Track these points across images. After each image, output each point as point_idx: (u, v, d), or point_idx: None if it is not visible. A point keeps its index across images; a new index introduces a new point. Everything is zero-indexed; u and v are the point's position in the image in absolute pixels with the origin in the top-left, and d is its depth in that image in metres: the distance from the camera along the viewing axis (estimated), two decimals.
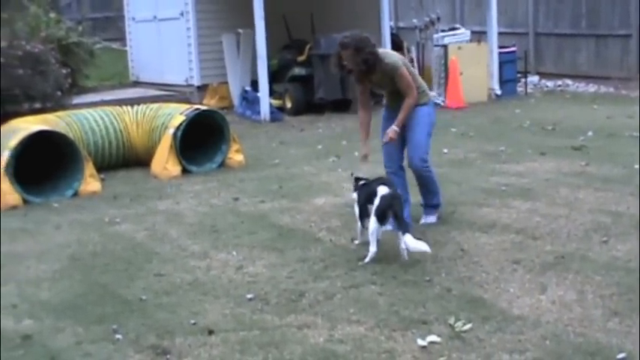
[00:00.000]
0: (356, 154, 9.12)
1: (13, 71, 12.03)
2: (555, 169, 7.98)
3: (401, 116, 5.87)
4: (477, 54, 13.73)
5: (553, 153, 8.76)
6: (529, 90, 14.77)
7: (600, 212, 6.29)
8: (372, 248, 5.27)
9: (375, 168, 6.09)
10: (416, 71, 6.20)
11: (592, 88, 15.19)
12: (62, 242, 6.15)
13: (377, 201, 5.30)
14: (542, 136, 10.09)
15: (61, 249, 5.97)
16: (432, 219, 6.19)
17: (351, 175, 5.92)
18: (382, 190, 5.35)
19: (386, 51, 6.02)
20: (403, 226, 5.27)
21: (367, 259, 5.26)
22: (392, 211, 5.26)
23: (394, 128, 5.85)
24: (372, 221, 5.29)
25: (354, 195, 5.74)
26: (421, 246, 5.19)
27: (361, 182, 5.70)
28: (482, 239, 5.74)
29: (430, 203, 6.24)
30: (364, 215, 5.52)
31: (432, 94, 13.82)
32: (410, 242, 5.17)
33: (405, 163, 6.15)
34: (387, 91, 6.08)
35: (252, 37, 12.83)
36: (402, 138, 6.03)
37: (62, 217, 6.92)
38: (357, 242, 5.69)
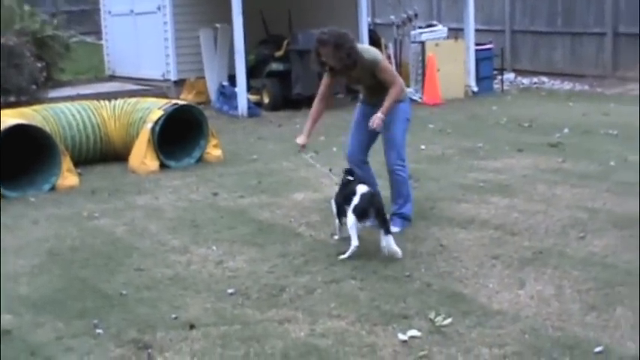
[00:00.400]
0: (334, 149, 9.16)
1: None
2: (532, 165, 8.06)
3: (387, 104, 5.74)
4: (453, 51, 13.79)
5: (530, 150, 8.84)
6: (505, 87, 14.87)
7: (577, 208, 6.36)
8: (354, 242, 5.29)
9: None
10: (393, 67, 6.18)
11: (567, 85, 15.33)
12: (40, 237, 6.11)
13: (356, 199, 5.31)
14: (519, 132, 10.17)
15: (40, 244, 5.93)
16: (395, 228, 5.72)
17: (329, 170, 5.89)
18: (361, 189, 5.36)
19: (364, 46, 5.99)
20: (386, 225, 5.29)
21: (348, 254, 5.28)
22: (373, 209, 5.27)
23: (380, 116, 5.72)
24: (351, 218, 5.31)
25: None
26: (395, 252, 5.22)
27: (348, 178, 5.69)
28: (461, 235, 5.79)
29: (399, 211, 5.97)
30: (342, 213, 5.53)
31: (409, 90, 13.91)
32: (389, 244, 5.22)
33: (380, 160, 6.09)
34: (366, 86, 6.03)
35: (229, 32, 12.80)
36: (373, 133, 5.99)
37: (40, 212, 6.87)
38: (336, 237, 5.70)
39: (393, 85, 5.79)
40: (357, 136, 6.08)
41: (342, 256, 5.28)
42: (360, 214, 5.27)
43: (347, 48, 5.66)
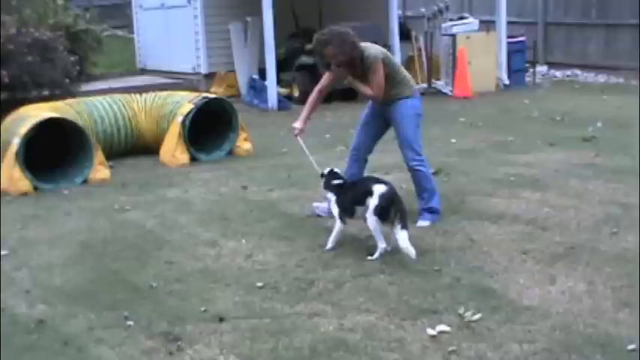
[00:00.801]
0: None
1: (22, 58, 12.06)
2: (565, 159, 7.98)
3: (358, 85, 5.80)
4: (485, 43, 13.70)
5: (562, 144, 8.75)
6: (538, 80, 14.74)
7: (610, 203, 6.29)
8: (382, 244, 5.24)
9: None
10: (398, 63, 6.09)
11: (601, 78, 15.15)
12: (73, 229, 6.18)
13: (376, 200, 5.21)
14: (551, 126, 10.08)
15: (73, 235, 6.00)
16: (425, 222, 5.88)
17: (321, 175, 5.78)
18: (380, 189, 5.26)
19: (367, 44, 5.90)
20: (405, 222, 5.16)
21: (376, 255, 5.23)
22: (395, 208, 5.18)
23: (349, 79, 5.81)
24: (373, 220, 5.23)
25: (330, 195, 5.61)
26: (410, 250, 5.05)
27: (336, 182, 5.61)
28: (492, 229, 5.75)
29: (426, 206, 5.98)
30: (346, 215, 5.44)
31: (439, 83, 13.83)
32: (403, 240, 5.07)
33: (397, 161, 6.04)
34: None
35: (259, 25, 12.81)
36: (378, 129, 6.04)
37: (72, 204, 6.95)
38: (328, 247, 5.43)
39: (375, 88, 5.75)
40: (365, 132, 6.12)
41: (370, 257, 5.24)
42: (382, 214, 5.20)
43: (350, 42, 5.68)
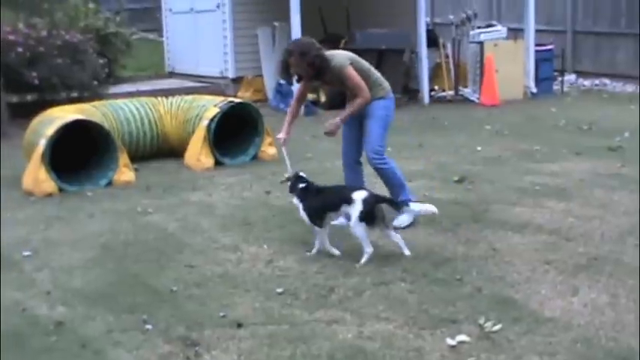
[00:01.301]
0: (389, 149, 9.10)
1: (52, 60, 12.21)
2: (590, 169, 7.89)
3: (346, 111, 5.88)
4: (513, 51, 13.62)
5: (588, 153, 8.66)
6: (565, 89, 14.62)
7: (635, 214, 6.20)
8: (368, 249, 5.26)
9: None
10: (367, 65, 6.04)
11: (630, 88, 14.98)
12: (95, 231, 6.22)
13: (359, 206, 5.24)
14: (578, 135, 9.98)
15: (94, 237, 6.03)
16: (404, 220, 5.88)
17: (287, 178, 5.83)
18: (360, 195, 5.30)
19: (333, 52, 5.98)
20: (389, 222, 5.39)
21: (364, 260, 5.23)
22: (378, 212, 5.29)
23: (336, 121, 5.86)
24: (359, 227, 5.26)
25: (296, 200, 5.62)
26: (401, 245, 5.34)
27: (302, 185, 5.63)
28: (515, 239, 5.70)
29: (401, 199, 5.95)
30: (317, 220, 5.47)
31: (467, 90, 13.75)
32: (395, 236, 5.36)
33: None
34: (347, 90, 6.04)
35: (287, 30, 12.84)
36: (356, 131, 6.08)
37: (96, 206, 6.99)
38: (312, 252, 5.47)
39: (359, 93, 5.81)
40: (346, 137, 6.18)
41: (359, 264, 5.21)
42: (368, 219, 5.26)
43: (311, 56, 5.77)
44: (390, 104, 6.06)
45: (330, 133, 5.95)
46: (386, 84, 6.06)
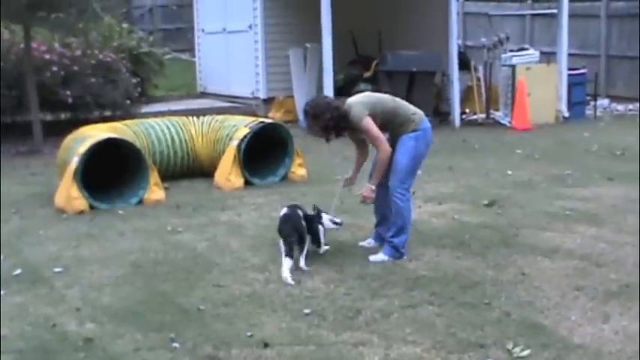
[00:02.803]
0: (419, 172, 9.07)
1: (86, 79, 12.38)
2: (623, 195, 7.80)
3: (375, 174, 5.76)
4: (545, 75, 13.56)
5: (621, 178, 8.57)
6: (598, 113, 14.51)
7: None
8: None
9: None
10: (395, 99, 5.92)
11: None
12: (125, 249, 6.26)
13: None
14: (611, 160, 9.89)
15: (124, 255, 6.08)
16: (380, 257, 5.76)
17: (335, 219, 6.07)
18: (284, 211, 5.75)
19: (350, 102, 5.77)
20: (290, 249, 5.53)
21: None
22: (285, 232, 5.57)
23: (370, 187, 5.77)
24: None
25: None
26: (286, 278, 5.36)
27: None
28: (545, 264, 5.64)
29: (390, 239, 5.81)
30: (298, 244, 5.63)
31: (498, 114, 13.69)
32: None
33: None
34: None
35: (319, 51, 12.90)
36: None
37: (126, 224, 7.05)
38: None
39: (378, 147, 5.71)
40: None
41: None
42: (279, 233, 5.62)
43: (325, 119, 5.70)
44: (422, 135, 5.79)
45: (366, 199, 5.86)
46: (418, 115, 5.83)
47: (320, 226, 5.88)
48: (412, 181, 5.90)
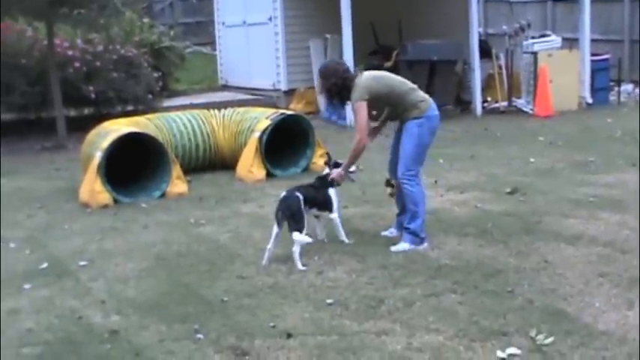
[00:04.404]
0: (441, 161, 9.07)
1: (108, 75, 12.46)
2: None
3: (348, 160, 5.96)
4: (568, 61, 13.44)
5: None
6: (622, 99, 14.36)
7: None
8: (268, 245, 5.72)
9: None
10: (407, 83, 5.97)
11: None
12: (149, 242, 6.32)
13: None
14: (635, 146, 9.77)
15: (148, 248, 6.13)
16: (401, 247, 5.79)
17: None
18: (283, 193, 5.81)
19: (359, 81, 5.82)
20: (292, 226, 5.57)
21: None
22: (281, 212, 5.64)
23: (340, 172, 5.98)
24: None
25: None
26: (295, 257, 5.47)
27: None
28: (568, 251, 5.62)
29: (406, 226, 5.85)
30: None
31: (520, 101, 13.60)
32: (302, 238, 5.51)
33: None
34: (387, 110, 6.11)
35: (339, 42, 12.88)
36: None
37: (150, 217, 7.10)
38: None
39: (356, 135, 5.84)
40: (393, 148, 6.13)
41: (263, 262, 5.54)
42: (275, 215, 5.71)
43: (330, 82, 5.91)
44: (426, 122, 5.82)
45: (336, 181, 6.04)
46: (425, 102, 5.87)
47: (332, 190, 5.98)
48: (419, 168, 5.94)
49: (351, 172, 6.11)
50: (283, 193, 5.81)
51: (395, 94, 5.87)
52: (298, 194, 5.72)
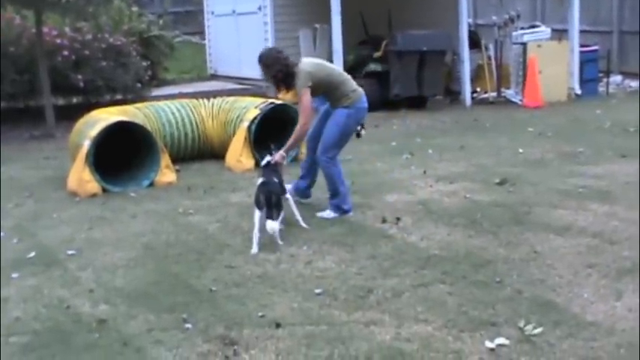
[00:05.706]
0: (430, 151, 9.08)
1: (97, 63, 12.40)
2: (636, 172, 7.75)
3: (290, 142, 6.26)
4: (557, 52, 13.47)
5: (634, 155, 8.51)
6: (611, 90, 14.40)
7: None
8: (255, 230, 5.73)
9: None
10: (343, 73, 6.46)
11: None
12: (137, 231, 6.29)
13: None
14: (623, 137, 9.83)
15: (136, 237, 6.11)
16: (326, 214, 6.39)
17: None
18: (259, 180, 5.93)
19: (299, 68, 6.18)
20: (272, 212, 5.64)
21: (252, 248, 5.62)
22: (264, 198, 5.66)
23: (281, 153, 6.20)
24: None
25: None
26: (275, 236, 5.62)
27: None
28: (557, 242, 5.63)
29: (330, 201, 6.46)
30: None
31: (509, 92, 13.62)
32: (269, 225, 5.56)
33: None
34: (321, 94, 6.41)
35: (328, 32, 12.87)
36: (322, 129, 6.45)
37: (138, 207, 7.08)
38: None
39: (301, 119, 6.20)
40: (315, 126, 6.49)
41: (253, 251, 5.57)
42: (255, 201, 5.71)
43: (274, 70, 6.19)
44: (354, 113, 6.33)
45: (277, 164, 6.20)
46: (356, 93, 6.33)
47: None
48: (337, 153, 6.39)
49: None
50: (260, 179, 5.92)
51: (333, 81, 6.29)
52: (275, 179, 5.91)
